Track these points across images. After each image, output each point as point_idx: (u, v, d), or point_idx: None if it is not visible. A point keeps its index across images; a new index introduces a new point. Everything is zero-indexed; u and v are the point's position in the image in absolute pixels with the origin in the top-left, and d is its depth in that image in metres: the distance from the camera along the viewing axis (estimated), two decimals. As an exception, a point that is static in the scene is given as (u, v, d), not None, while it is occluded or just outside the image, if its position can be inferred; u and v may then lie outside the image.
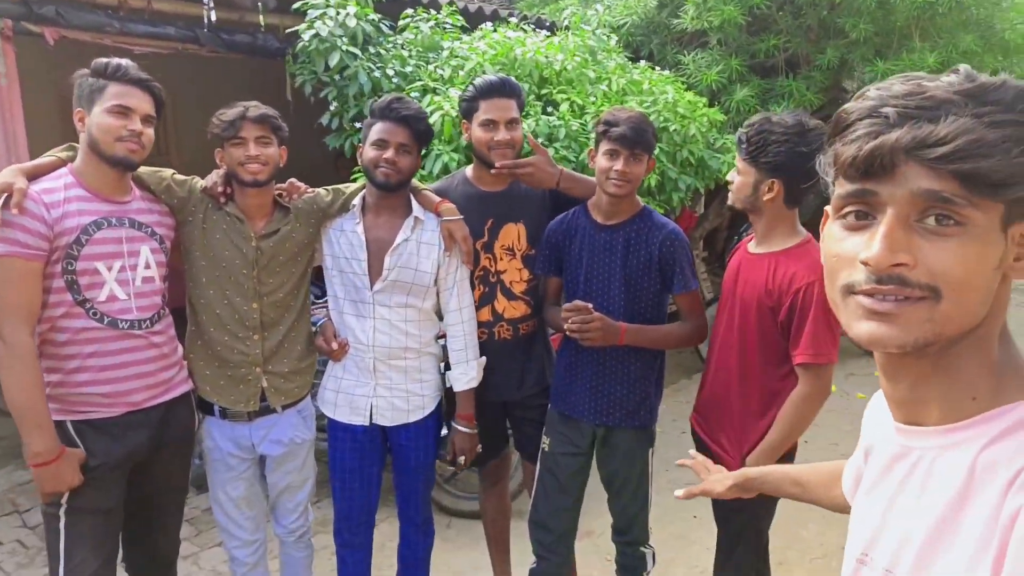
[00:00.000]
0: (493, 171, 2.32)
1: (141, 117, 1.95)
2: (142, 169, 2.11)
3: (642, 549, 2.44)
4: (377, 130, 2.21)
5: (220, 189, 2.15)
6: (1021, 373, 0.72)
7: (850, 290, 0.71)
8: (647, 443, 2.40)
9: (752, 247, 2.14)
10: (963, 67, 0.70)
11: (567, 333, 2.20)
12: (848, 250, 0.71)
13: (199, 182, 2.19)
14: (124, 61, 1.95)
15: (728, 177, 2.14)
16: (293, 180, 2.30)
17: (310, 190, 2.30)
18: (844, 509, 1.16)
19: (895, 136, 0.66)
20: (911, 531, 0.72)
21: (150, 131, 1.99)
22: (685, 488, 1.50)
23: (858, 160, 0.68)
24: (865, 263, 0.68)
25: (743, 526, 2.20)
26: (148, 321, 2.05)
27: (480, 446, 2.43)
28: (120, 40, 3.70)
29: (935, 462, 0.72)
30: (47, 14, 3.38)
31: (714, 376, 2.21)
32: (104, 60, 1.93)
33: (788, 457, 2.09)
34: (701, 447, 2.23)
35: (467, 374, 2.36)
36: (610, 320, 2.17)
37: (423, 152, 3.35)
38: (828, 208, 0.77)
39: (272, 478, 2.37)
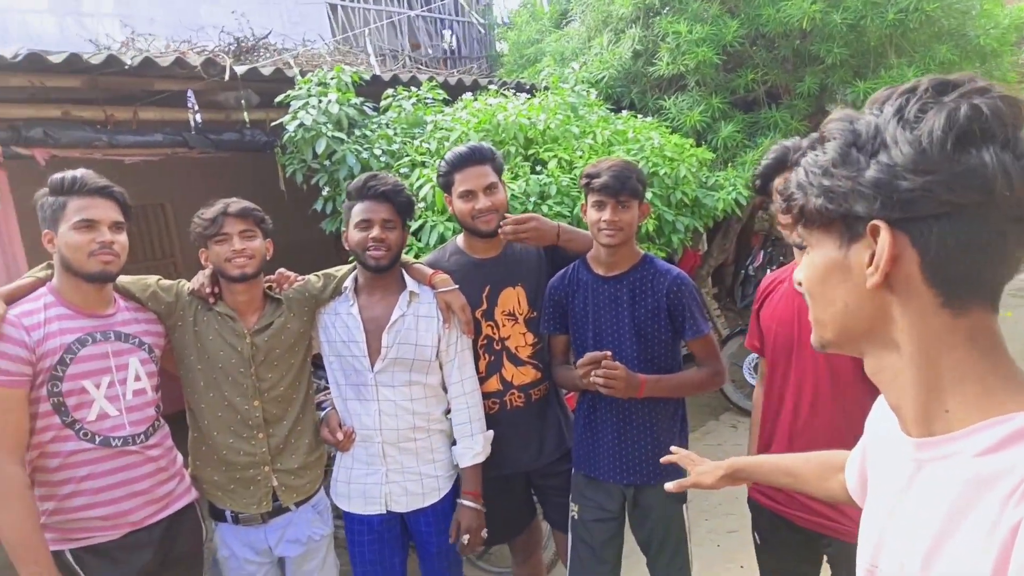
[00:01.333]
0: (503, 235, 2.28)
1: (108, 226, 1.91)
2: (125, 279, 2.08)
3: (689, 611, 2.30)
4: (358, 211, 2.18)
5: (208, 289, 2.11)
6: (1010, 383, 0.70)
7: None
8: (680, 499, 2.29)
9: None
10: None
11: (586, 388, 2.11)
12: None
13: (186, 285, 2.15)
14: (80, 172, 1.91)
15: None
16: (282, 270, 2.27)
17: (300, 278, 2.27)
18: (839, 499, 1.21)
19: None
20: (913, 541, 0.72)
21: (122, 238, 1.95)
22: (675, 484, 1.55)
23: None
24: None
25: None
26: (143, 435, 1.98)
27: (487, 529, 2.30)
28: (110, 152, 3.77)
29: (931, 473, 0.73)
30: (36, 136, 3.44)
31: (798, 437, 1.97)
32: (60, 176, 1.90)
33: None
34: (775, 521, 2.08)
35: (472, 448, 2.26)
36: (630, 370, 2.09)
37: (416, 225, 3.38)
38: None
39: (294, 580, 2.27)
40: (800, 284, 0.83)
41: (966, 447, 0.69)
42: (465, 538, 2.22)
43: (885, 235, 0.68)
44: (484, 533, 2.26)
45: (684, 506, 2.31)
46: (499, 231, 2.27)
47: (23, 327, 1.81)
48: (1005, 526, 0.62)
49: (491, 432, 2.30)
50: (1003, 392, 0.70)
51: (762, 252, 5.92)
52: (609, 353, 2.07)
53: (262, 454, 2.14)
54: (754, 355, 5.47)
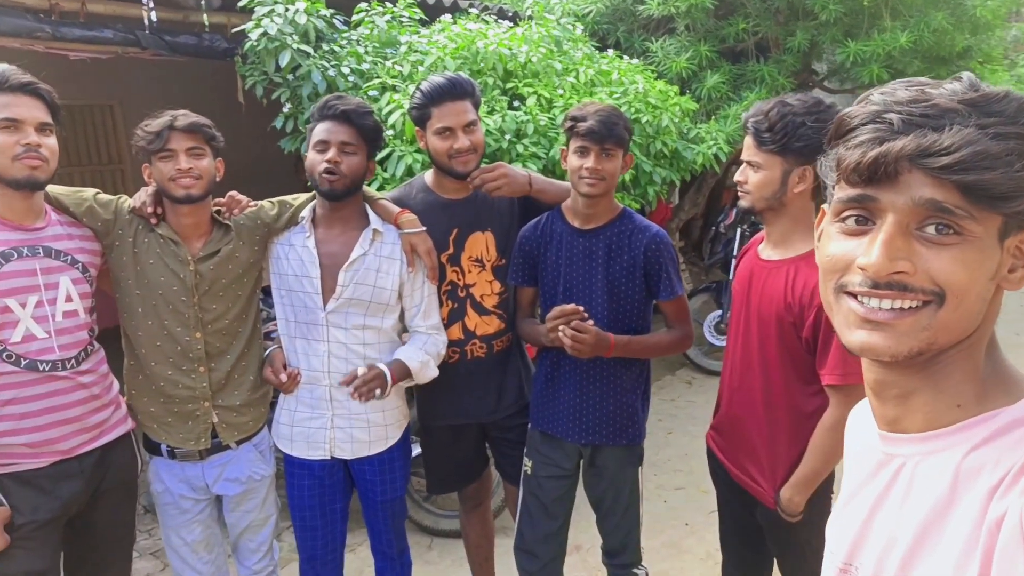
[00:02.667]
0: (470, 184, 2.13)
1: (35, 127, 1.72)
2: (58, 189, 1.89)
3: (635, 571, 2.29)
4: (317, 132, 2.01)
5: (150, 209, 1.93)
6: (1005, 379, 0.72)
7: (843, 289, 0.72)
8: (636, 461, 2.25)
9: (765, 252, 1.91)
10: (966, 75, 0.69)
11: (554, 344, 2.02)
12: (846, 253, 0.71)
13: (127, 201, 1.97)
14: (2, 67, 1.71)
15: (737, 178, 1.88)
16: (233, 193, 2.09)
17: (252, 204, 2.09)
18: None
19: (900, 144, 0.65)
20: (895, 537, 0.72)
21: (51, 141, 1.76)
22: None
23: (861, 166, 0.67)
24: (863, 268, 0.69)
25: (807, 538, 1.90)
26: (73, 360, 1.83)
27: (437, 476, 2.23)
28: (54, 46, 3.47)
29: (918, 468, 0.72)
30: (-31, 20, 3.13)
31: (733, 397, 1.99)
32: None
33: (825, 485, 1.86)
34: (719, 470, 2.07)
35: (414, 357, 2.09)
36: (600, 330, 2.00)
37: (383, 154, 3.20)
38: (825, 207, 0.77)
39: (231, 518, 2.19)
40: (939, 287, 0.68)
41: (959, 441, 0.69)
42: (360, 371, 2.02)
43: None
44: (377, 393, 2.02)
45: (639, 468, 2.27)
46: (467, 180, 2.12)
47: None
48: (990, 520, 0.62)
49: (435, 372, 2.16)
50: (1000, 387, 0.71)
51: (734, 210, 5.86)
52: (581, 308, 1.98)
53: (202, 389, 2.01)
54: (715, 313, 5.50)
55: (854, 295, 0.71)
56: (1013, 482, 0.62)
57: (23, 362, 1.76)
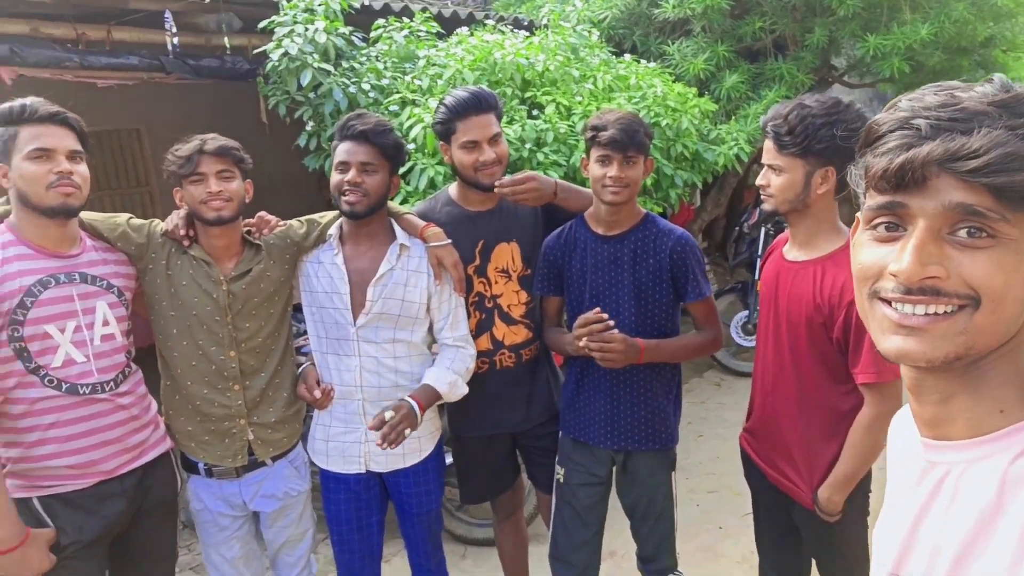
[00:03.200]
0: (499, 194, 2.14)
1: (65, 155, 1.76)
2: (93, 215, 1.93)
3: (670, 577, 2.28)
4: (339, 152, 2.04)
5: (183, 231, 1.97)
6: None
7: (876, 295, 0.72)
8: (669, 466, 2.24)
9: (791, 254, 1.90)
10: (998, 76, 0.69)
11: (582, 354, 2.03)
12: (878, 260, 0.71)
13: (159, 225, 2.01)
14: (31, 100, 1.75)
15: (759, 181, 1.88)
16: (262, 214, 2.13)
17: (281, 223, 2.13)
18: None
19: (927, 149, 0.65)
20: (942, 545, 0.70)
21: (82, 168, 1.80)
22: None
23: (889, 173, 0.67)
24: (895, 275, 0.68)
25: (846, 537, 1.90)
26: (112, 383, 1.88)
27: (469, 487, 2.23)
28: (82, 74, 3.56)
29: (963, 475, 0.71)
30: (2, 52, 3.22)
31: (767, 399, 1.98)
32: (7, 105, 1.74)
33: (864, 484, 1.86)
34: (754, 472, 2.06)
35: (443, 377, 2.09)
36: (629, 337, 2.00)
37: (405, 168, 3.23)
38: (859, 215, 0.77)
39: (269, 534, 2.22)
40: (974, 290, 0.67)
41: (1004, 447, 0.68)
42: (387, 415, 1.96)
43: None
44: (408, 432, 1.98)
45: (673, 473, 2.26)
46: (494, 189, 2.13)
47: None
48: None
49: (465, 390, 2.16)
50: None
51: (757, 210, 5.82)
52: (606, 316, 1.98)
53: (237, 407, 2.04)
54: (742, 314, 5.46)
55: (888, 301, 0.70)
56: None
57: (64, 386, 1.80)
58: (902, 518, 0.79)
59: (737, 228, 6.15)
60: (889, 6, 4.78)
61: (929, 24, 4.55)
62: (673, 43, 5.08)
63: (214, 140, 1.94)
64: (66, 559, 1.80)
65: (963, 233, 0.66)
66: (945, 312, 0.67)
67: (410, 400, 2.03)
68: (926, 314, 0.68)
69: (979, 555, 0.66)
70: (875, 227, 0.72)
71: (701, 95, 4.56)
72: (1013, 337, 0.69)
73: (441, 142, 2.22)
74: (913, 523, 0.77)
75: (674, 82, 4.44)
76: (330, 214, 2.18)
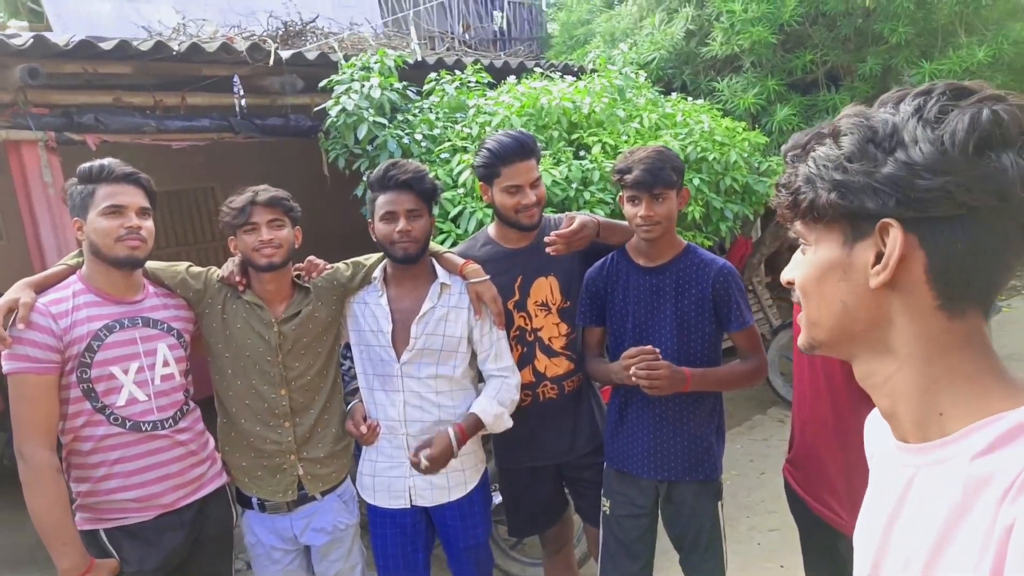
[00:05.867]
0: (549, 250, 2.17)
1: (136, 212, 1.93)
2: (155, 264, 2.09)
3: (723, 611, 2.22)
4: (382, 203, 2.13)
5: (237, 278, 2.11)
6: (1001, 383, 0.71)
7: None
8: (714, 497, 2.21)
9: None
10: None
11: (627, 383, 2.04)
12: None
13: (216, 272, 2.15)
14: (108, 161, 1.93)
15: None
16: (311, 258, 2.25)
17: (328, 266, 2.24)
18: None
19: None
20: (913, 549, 0.71)
21: (149, 223, 1.96)
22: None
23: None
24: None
25: None
26: (171, 420, 2.00)
27: (518, 521, 2.24)
28: (158, 137, 3.83)
29: (927, 478, 0.72)
30: (87, 122, 3.51)
31: (805, 428, 1.97)
32: (87, 165, 1.92)
33: None
34: (798, 504, 2.02)
35: (489, 409, 2.15)
36: (674, 365, 2.01)
37: (455, 211, 3.34)
38: None
39: (320, 568, 2.27)
40: (791, 283, 0.81)
41: (961, 450, 0.69)
42: (424, 454, 2.07)
43: (897, 234, 0.68)
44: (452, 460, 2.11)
45: (719, 503, 2.22)
46: (547, 249, 2.17)
47: (51, 315, 1.84)
48: (1000, 527, 0.62)
49: (510, 423, 2.21)
50: (995, 392, 0.70)
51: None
52: (657, 350, 2.00)
53: (288, 443, 2.13)
54: (806, 348, 5.30)
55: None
56: (1021, 489, 0.61)
57: (128, 423, 1.93)
58: (878, 519, 0.80)
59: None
60: (944, 31, 4.69)
61: (986, 47, 4.43)
62: (723, 79, 5.10)
63: (265, 191, 2.07)
64: (128, 588, 1.91)
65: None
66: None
67: (450, 429, 2.08)
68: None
69: (946, 558, 0.67)
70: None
71: (752, 128, 4.55)
72: (890, 341, 0.73)
73: (482, 183, 2.30)
74: (887, 524, 0.78)
75: (723, 117, 4.45)
76: (374, 256, 2.29)
